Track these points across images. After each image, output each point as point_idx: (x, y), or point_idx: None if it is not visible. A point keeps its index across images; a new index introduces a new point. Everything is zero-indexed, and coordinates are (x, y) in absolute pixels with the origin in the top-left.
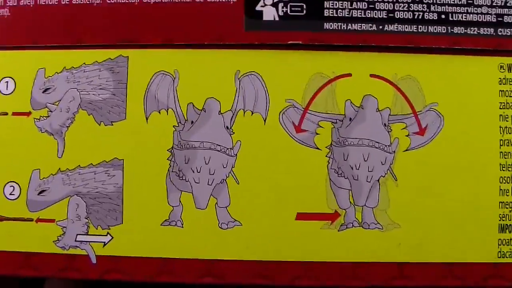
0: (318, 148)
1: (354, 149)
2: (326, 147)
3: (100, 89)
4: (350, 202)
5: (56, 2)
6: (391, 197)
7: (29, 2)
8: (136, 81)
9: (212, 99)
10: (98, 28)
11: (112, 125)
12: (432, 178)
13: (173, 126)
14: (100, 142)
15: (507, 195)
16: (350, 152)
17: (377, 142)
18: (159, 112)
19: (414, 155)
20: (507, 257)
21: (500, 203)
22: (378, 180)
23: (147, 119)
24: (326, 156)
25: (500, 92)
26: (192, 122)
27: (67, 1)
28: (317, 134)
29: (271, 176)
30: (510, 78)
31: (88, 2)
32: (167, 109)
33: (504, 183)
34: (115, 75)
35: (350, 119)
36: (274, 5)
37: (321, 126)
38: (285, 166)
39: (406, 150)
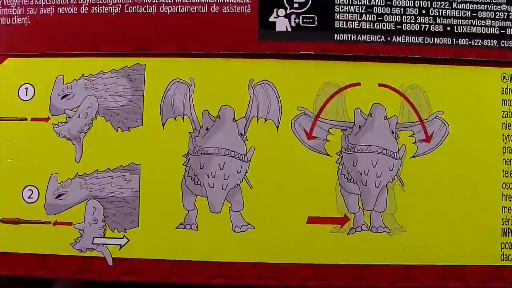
0: (328, 155)
1: (363, 156)
2: (336, 154)
3: (118, 96)
4: (359, 207)
5: (75, 11)
6: (398, 202)
7: (48, 11)
8: (153, 89)
9: (226, 106)
10: (116, 36)
11: (129, 131)
12: (438, 184)
13: (189, 132)
14: (117, 147)
15: (510, 200)
16: (359, 159)
17: (385, 149)
18: (175, 119)
19: (421, 161)
20: (509, 260)
21: (503, 208)
22: (386, 186)
23: (163, 125)
24: (336, 162)
25: (503, 101)
26: (207, 128)
27: (86, 11)
28: (328, 141)
29: (283, 181)
30: None
31: (106, 12)
32: (183, 116)
33: (507, 188)
34: (132, 83)
35: (359, 126)
36: (287, 16)
37: (331, 133)
38: (296, 172)
39: (413, 156)
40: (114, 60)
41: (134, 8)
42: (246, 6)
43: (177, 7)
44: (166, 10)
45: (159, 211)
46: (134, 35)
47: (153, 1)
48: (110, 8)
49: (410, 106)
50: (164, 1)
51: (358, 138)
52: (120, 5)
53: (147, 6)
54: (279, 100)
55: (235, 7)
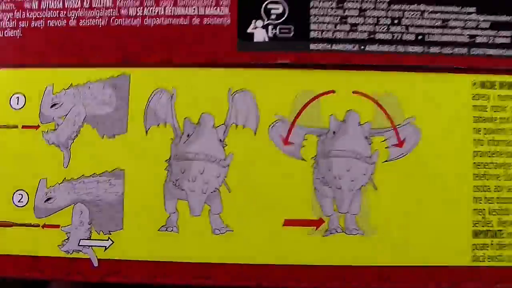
0: (304, 160)
1: (337, 160)
2: (311, 159)
3: (104, 104)
4: (334, 210)
5: (64, 24)
6: (372, 205)
7: (39, 24)
8: (137, 98)
9: (207, 114)
10: (102, 48)
11: (114, 138)
12: (410, 187)
13: (171, 139)
14: (103, 153)
15: (480, 203)
16: (333, 163)
17: (358, 154)
18: (158, 126)
19: (393, 165)
20: (480, 261)
21: (474, 210)
22: (360, 189)
23: (146, 132)
24: (311, 166)
25: (474, 107)
26: (188, 135)
27: (75, 24)
28: (303, 146)
29: (261, 185)
30: (483, 94)
31: (94, 25)
32: (165, 123)
33: (477, 191)
34: (117, 92)
35: (334, 132)
36: (264, 27)
37: (307, 139)
38: (273, 176)
39: (386, 161)
40: (101, 70)
41: (120, 21)
42: (225, 18)
43: (160, 19)
44: (149, 22)
45: (142, 214)
46: (119, 46)
47: (138, 14)
48: (97, 21)
49: (383, 112)
50: (148, 14)
51: (333, 144)
52: (106, 18)
53: (132, 19)
54: (257, 108)
55: (215, 19)
